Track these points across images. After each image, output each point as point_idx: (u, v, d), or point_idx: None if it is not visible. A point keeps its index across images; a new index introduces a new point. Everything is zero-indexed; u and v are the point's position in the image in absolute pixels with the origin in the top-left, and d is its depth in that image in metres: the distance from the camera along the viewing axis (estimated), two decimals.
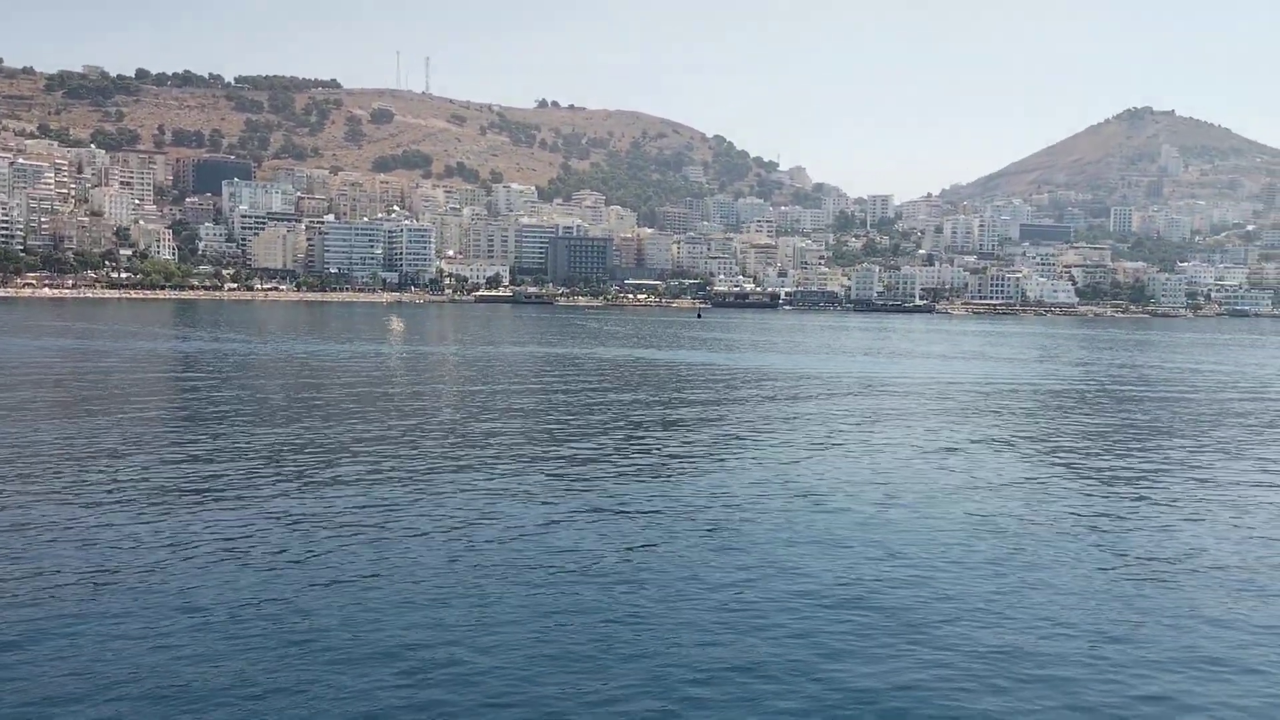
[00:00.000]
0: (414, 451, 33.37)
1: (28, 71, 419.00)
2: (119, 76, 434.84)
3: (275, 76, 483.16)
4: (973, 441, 38.32)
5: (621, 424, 41.46)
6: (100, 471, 29.02)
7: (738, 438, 38.19)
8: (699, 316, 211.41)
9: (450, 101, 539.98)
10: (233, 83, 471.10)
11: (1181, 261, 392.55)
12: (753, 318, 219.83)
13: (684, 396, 53.62)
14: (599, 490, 27.76)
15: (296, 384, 55.38)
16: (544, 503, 26.15)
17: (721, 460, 33.05)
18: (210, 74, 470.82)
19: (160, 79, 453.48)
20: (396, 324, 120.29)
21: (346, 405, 46.01)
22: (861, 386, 61.24)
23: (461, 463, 31.46)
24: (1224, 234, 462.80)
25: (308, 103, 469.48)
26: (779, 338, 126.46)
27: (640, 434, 38.68)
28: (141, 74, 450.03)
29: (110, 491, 26.52)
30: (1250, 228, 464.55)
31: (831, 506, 26.32)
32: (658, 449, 35.05)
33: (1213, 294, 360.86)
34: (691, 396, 53.63)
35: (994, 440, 38.83)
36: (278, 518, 24.04)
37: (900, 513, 25.86)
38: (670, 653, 16.06)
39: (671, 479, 29.63)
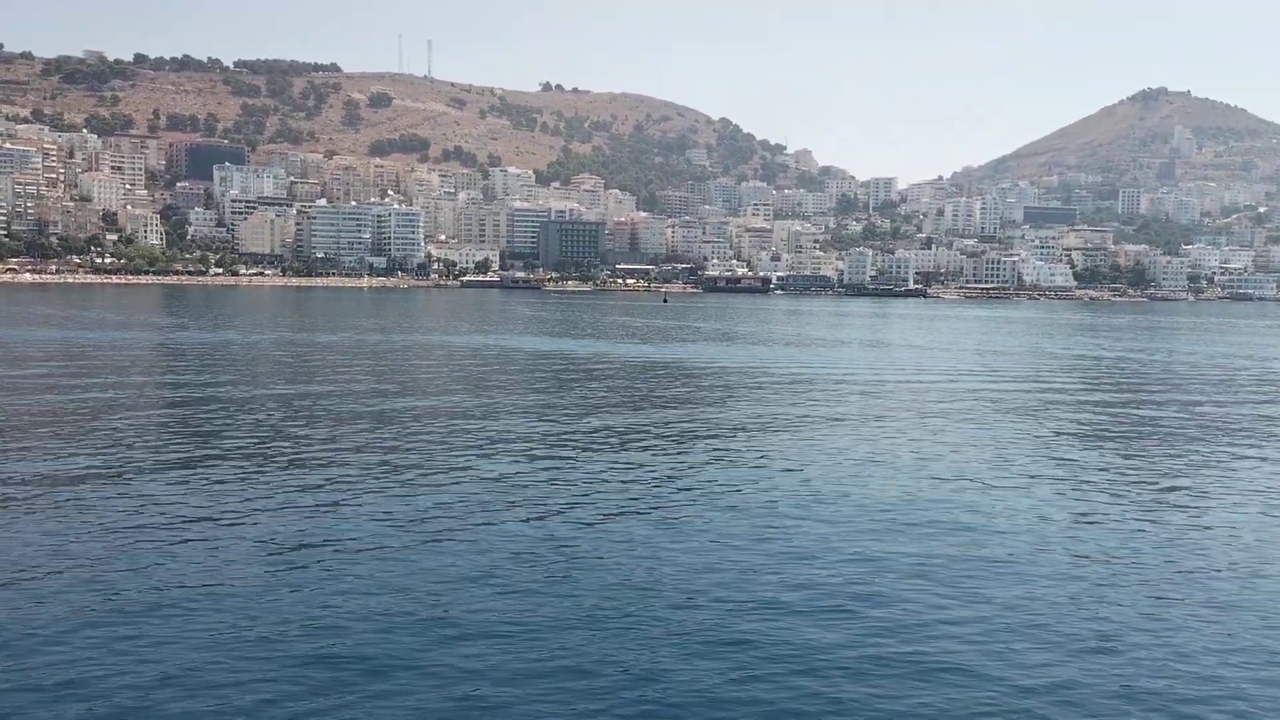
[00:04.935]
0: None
1: (26, 56, 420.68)
2: (116, 61, 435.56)
3: (274, 60, 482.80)
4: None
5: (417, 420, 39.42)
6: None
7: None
8: (664, 301, 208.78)
9: (451, 85, 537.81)
10: (231, 67, 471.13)
11: (1187, 244, 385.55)
12: (742, 302, 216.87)
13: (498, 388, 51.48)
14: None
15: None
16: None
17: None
18: (209, 58, 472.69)
19: (158, 63, 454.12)
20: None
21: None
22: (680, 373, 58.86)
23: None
24: (1234, 216, 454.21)
25: (305, 87, 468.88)
26: (689, 323, 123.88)
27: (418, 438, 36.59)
28: (139, 58, 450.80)
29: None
30: (1262, 210, 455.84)
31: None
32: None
33: (1216, 277, 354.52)
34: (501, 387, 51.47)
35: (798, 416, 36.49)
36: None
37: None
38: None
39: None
